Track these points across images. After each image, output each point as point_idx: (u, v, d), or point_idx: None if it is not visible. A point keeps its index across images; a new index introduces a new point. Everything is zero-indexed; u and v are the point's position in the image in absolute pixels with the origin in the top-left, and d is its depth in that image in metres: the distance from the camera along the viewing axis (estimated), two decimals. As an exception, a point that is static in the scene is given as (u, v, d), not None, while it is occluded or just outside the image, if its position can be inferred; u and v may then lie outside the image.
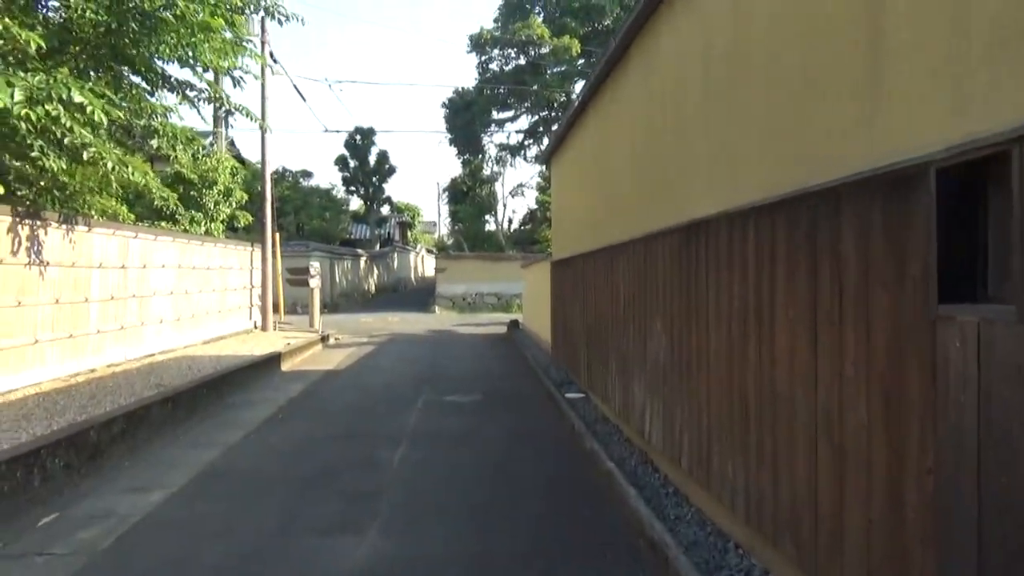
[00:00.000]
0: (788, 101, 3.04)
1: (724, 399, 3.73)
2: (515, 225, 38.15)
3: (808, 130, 2.87)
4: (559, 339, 10.62)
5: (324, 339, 15.37)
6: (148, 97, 8.64)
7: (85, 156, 7.18)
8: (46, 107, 6.14)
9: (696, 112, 4.26)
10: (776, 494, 3.11)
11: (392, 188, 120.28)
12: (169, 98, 9.01)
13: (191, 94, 8.78)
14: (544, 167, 31.60)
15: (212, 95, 8.73)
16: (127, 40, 7.29)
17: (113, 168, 7.36)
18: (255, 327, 16.28)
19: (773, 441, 3.12)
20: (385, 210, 43.48)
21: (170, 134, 9.21)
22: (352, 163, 38.37)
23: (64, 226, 8.43)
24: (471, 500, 4.88)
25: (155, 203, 13.29)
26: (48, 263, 8.10)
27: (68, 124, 6.42)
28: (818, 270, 2.72)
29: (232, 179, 14.94)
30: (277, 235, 18.06)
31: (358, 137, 37.84)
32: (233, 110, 8.97)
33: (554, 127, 31.16)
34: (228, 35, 8.79)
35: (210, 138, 17.69)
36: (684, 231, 4.40)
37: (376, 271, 36.21)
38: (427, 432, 6.93)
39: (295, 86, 21.76)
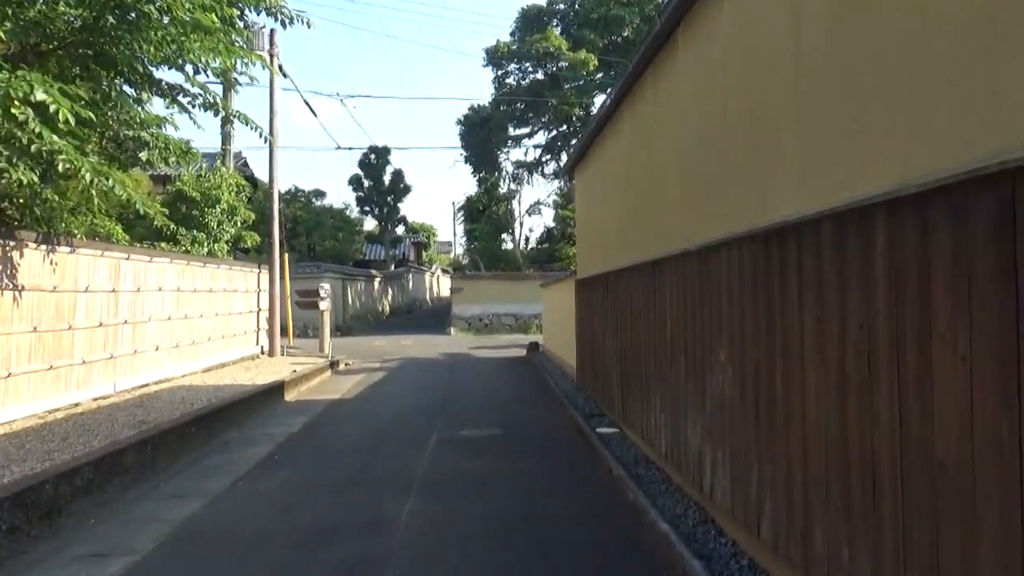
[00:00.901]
0: (951, 52, 2.16)
1: (834, 459, 2.80)
2: (532, 244, 37.35)
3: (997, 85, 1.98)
4: (585, 365, 9.71)
5: (333, 365, 14.54)
6: (136, 105, 7.91)
7: (60, 167, 6.42)
8: (11, 109, 5.41)
9: (781, 88, 3.38)
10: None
11: (407, 208, 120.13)
12: (159, 104, 8.28)
13: (184, 100, 8.03)
14: (565, 181, 30.78)
15: (207, 101, 7.97)
16: (107, 38, 6.55)
17: (92, 181, 6.58)
18: (262, 352, 15.48)
19: (934, 527, 2.19)
20: (400, 230, 42.79)
21: (162, 146, 8.47)
22: (366, 183, 37.71)
23: (43, 247, 7.67)
24: (497, 574, 3.97)
25: (155, 223, 12.67)
26: (23, 287, 7.32)
27: (35, 128, 5.67)
28: (1020, 286, 1.81)
29: (236, 197, 14.20)
30: (286, 256, 17.32)
31: (372, 156, 37.22)
32: (231, 117, 8.20)
33: (573, 142, 30.40)
34: (231, 37, 8.07)
35: (219, 157, 17.04)
36: (762, 239, 3.50)
37: (391, 292, 35.49)
38: (441, 478, 6.02)
39: (306, 101, 21.16)
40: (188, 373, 11.48)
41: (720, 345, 4.14)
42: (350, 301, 26.55)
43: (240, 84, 8.03)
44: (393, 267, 39.38)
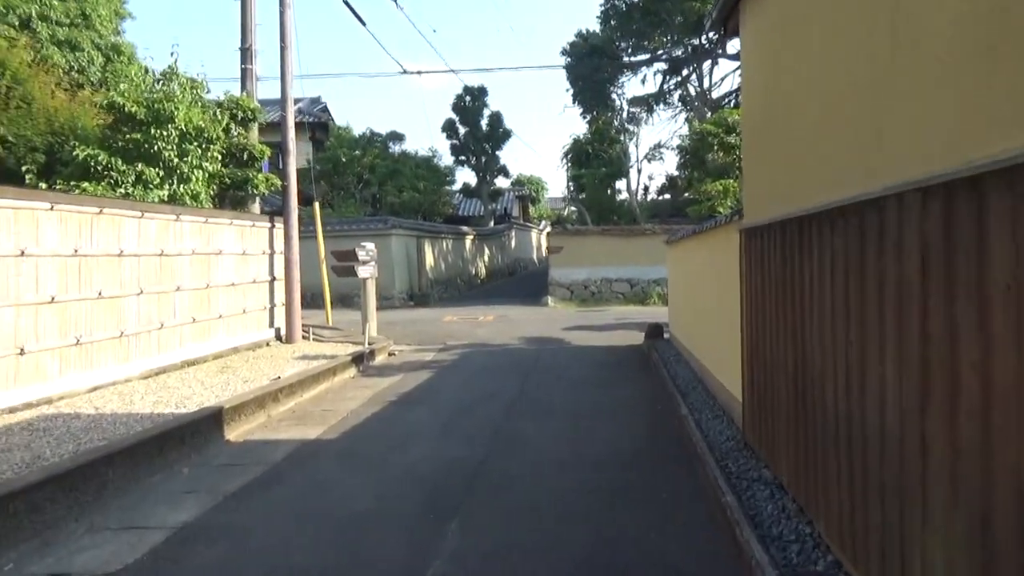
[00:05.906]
0: None
1: None
2: (652, 195, 31.42)
3: None
4: (773, 413, 4.59)
5: (361, 359, 10.05)
6: None
7: None
8: None
9: None
10: None
11: (513, 161, 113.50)
12: None
13: None
14: (703, 86, 24.70)
15: None
16: None
17: None
18: (277, 337, 11.30)
19: None
20: (501, 183, 38.01)
21: None
22: (462, 129, 33.12)
23: None
24: None
25: (78, 156, 8.52)
26: None
27: None
28: None
29: (208, 116, 9.68)
30: (317, 206, 12.98)
31: (468, 98, 32.49)
32: None
33: (706, 62, 24.30)
34: None
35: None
36: None
37: (488, 252, 31.01)
38: None
39: (347, 3, 15.67)
40: (111, 383, 7.34)
41: None
42: (430, 263, 22.22)
43: None
44: (493, 223, 34.83)
